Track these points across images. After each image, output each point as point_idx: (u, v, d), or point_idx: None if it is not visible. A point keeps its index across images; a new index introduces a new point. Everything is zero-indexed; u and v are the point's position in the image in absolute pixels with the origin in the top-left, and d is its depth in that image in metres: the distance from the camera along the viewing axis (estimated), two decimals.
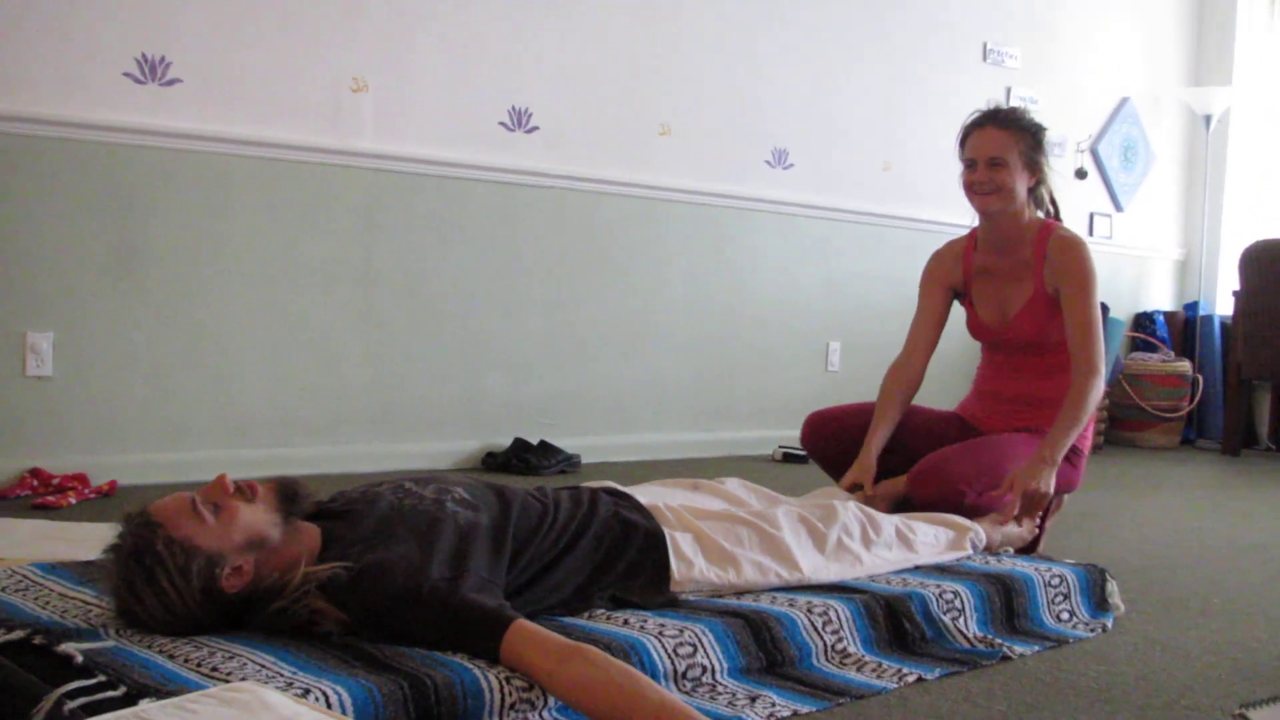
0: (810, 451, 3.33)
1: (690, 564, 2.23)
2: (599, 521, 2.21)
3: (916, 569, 2.52)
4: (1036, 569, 2.53)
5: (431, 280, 4.37)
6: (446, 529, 1.96)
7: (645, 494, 2.47)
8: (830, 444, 3.26)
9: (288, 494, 1.97)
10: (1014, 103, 6.08)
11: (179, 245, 3.85)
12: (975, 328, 3.29)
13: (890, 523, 2.58)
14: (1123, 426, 6.45)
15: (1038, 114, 3.33)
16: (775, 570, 2.30)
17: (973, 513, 2.86)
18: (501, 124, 4.51)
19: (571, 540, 2.16)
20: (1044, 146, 3.11)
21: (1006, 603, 2.40)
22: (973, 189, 3.09)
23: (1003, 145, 3.04)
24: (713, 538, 2.30)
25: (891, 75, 5.69)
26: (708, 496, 2.66)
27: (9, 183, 3.57)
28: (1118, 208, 6.88)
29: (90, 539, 2.52)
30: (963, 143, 3.13)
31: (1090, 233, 6.72)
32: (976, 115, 3.12)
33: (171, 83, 3.80)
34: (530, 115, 4.57)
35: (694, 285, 5.09)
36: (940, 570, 2.51)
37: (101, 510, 3.26)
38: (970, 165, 3.09)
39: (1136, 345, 6.81)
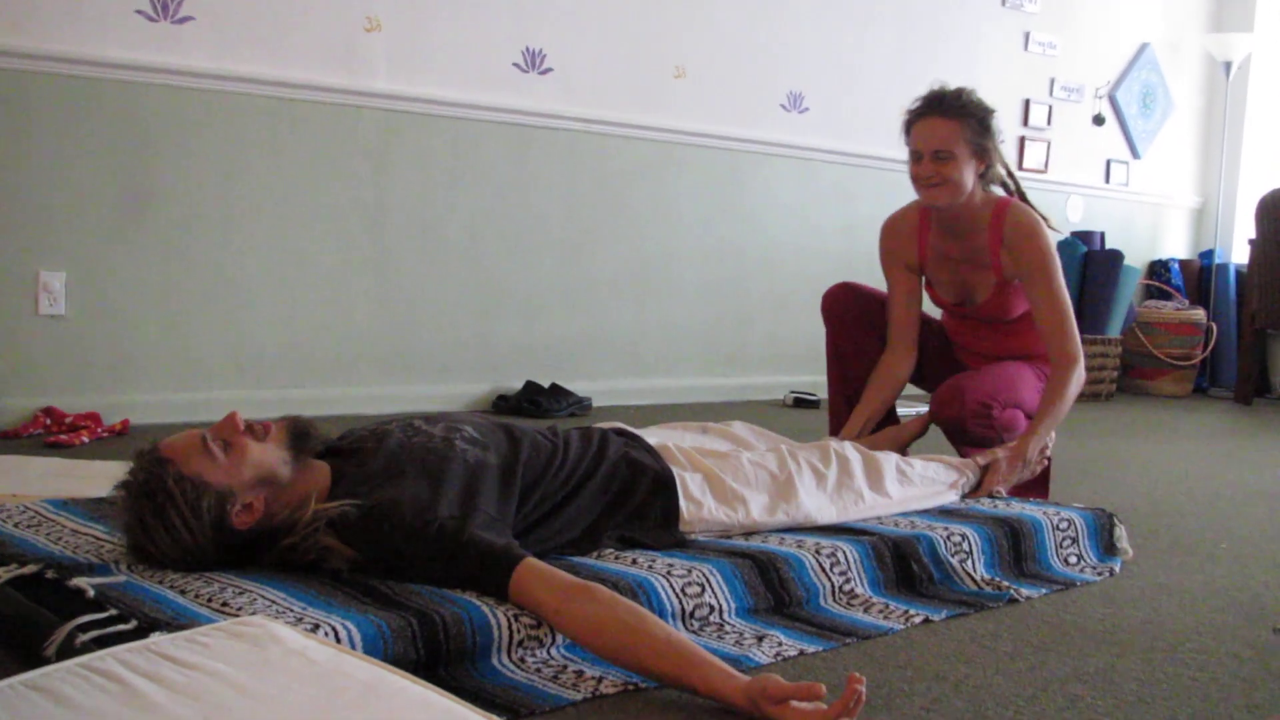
0: (830, 310, 3.31)
1: (699, 504, 2.24)
2: (609, 462, 2.21)
3: (924, 511, 2.52)
4: (1045, 513, 2.53)
5: (443, 222, 4.36)
6: (455, 467, 1.96)
7: (654, 436, 2.48)
8: (849, 309, 3.25)
9: (298, 432, 1.97)
10: (1032, 48, 6.03)
11: (191, 184, 3.84)
12: (936, 300, 3.23)
13: (890, 460, 2.59)
14: (1135, 374, 6.43)
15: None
16: (782, 508, 2.31)
17: (999, 431, 2.88)
18: (515, 65, 4.48)
19: (581, 480, 2.17)
20: (992, 129, 2.93)
21: (1014, 546, 2.40)
22: (919, 182, 2.95)
23: (948, 137, 2.86)
24: (721, 478, 2.30)
25: (908, 18, 5.62)
26: (715, 439, 2.68)
27: (20, 120, 3.56)
28: (1135, 155, 6.83)
29: (102, 477, 2.53)
30: (906, 130, 2.97)
31: (1107, 180, 6.68)
32: (918, 104, 2.94)
33: (183, 20, 3.77)
34: (544, 57, 4.54)
35: (707, 229, 5.07)
36: (948, 513, 2.52)
37: (114, 449, 3.28)
38: (915, 157, 2.93)
39: (1151, 293, 6.78)
